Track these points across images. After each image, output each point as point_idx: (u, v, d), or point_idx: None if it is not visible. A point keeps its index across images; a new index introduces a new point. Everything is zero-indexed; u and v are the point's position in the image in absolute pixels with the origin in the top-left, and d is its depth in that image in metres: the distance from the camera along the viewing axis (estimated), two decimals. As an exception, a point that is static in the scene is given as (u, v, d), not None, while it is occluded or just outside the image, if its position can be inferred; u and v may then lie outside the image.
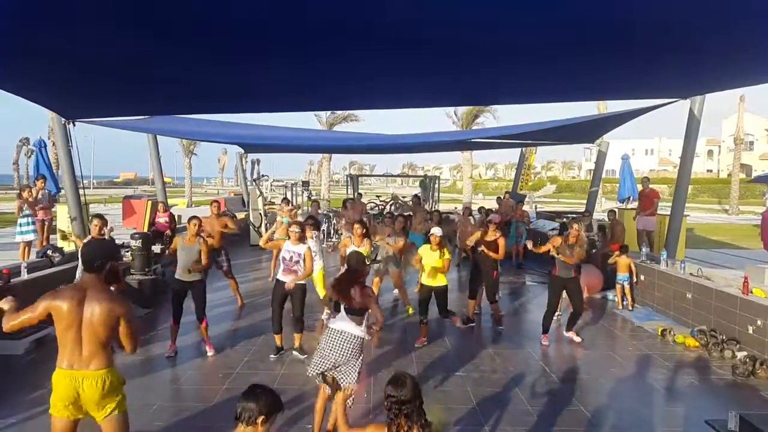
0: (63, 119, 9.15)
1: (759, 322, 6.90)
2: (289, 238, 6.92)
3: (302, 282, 6.86)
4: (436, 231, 7.45)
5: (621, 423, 5.25)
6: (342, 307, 4.60)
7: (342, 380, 4.51)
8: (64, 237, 10.47)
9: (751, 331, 7.03)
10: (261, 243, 7.51)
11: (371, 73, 6.90)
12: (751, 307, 7.09)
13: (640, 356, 7.26)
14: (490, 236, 8.16)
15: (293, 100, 9.00)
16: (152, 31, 5.07)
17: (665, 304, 9.03)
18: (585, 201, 15.99)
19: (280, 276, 6.87)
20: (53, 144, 17.55)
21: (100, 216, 7.51)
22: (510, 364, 6.92)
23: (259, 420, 2.77)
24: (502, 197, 17.98)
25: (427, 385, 6.00)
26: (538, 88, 8.06)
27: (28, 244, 10.60)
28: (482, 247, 8.17)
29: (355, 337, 4.55)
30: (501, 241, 8.10)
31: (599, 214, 15.80)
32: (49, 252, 9.17)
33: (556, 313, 9.01)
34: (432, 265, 7.33)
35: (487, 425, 5.11)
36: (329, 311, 5.27)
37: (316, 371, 4.57)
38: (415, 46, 5.57)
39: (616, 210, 12.83)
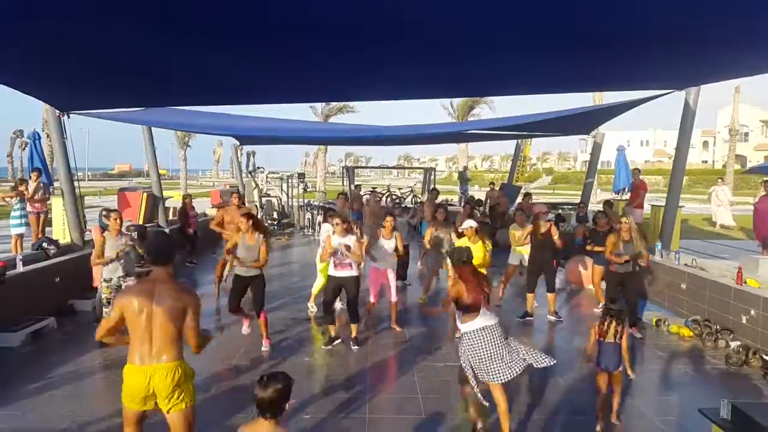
0: (57, 111, 9.11)
1: (752, 312, 6.95)
2: (335, 232, 7.01)
3: (356, 274, 7.03)
4: (470, 223, 7.44)
5: (615, 412, 5.28)
6: (481, 305, 4.50)
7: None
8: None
9: (744, 321, 7.08)
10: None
11: (368, 64, 6.89)
12: (744, 297, 7.15)
13: (634, 346, 7.30)
14: (542, 228, 8.28)
15: (289, 91, 8.98)
16: (148, 22, 5.05)
17: (660, 294, 9.07)
18: (580, 192, 16.03)
19: (333, 272, 7.01)
20: (47, 136, 17.46)
21: (117, 210, 7.43)
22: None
23: (286, 405, 2.78)
24: (496, 187, 18.06)
25: (421, 374, 6.05)
26: (534, 79, 8.05)
27: (20, 237, 10.60)
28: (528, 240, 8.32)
29: (499, 326, 4.55)
30: (554, 229, 8.26)
31: (594, 206, 15.86)
32: (45, 244, 9.15)
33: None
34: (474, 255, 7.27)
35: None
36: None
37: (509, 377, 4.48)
38: (411, 36, 5.56)
39: (613, 201, 12.87)
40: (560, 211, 16.02)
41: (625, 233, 7.53)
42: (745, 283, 7.33)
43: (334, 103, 34.07)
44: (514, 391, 5.70)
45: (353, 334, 7.08)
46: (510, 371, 4.44)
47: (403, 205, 21.38)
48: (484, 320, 4.46)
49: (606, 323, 4.88)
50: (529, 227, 8.45)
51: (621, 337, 4.85)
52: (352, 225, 7.43)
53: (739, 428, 3.31)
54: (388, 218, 7.68)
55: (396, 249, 7.65)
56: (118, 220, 7.01)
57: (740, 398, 4.57)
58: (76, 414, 4.95)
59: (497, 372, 4.43)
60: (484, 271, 7.23)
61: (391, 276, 7.70)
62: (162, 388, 3.41)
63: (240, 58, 6.46)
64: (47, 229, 11.50)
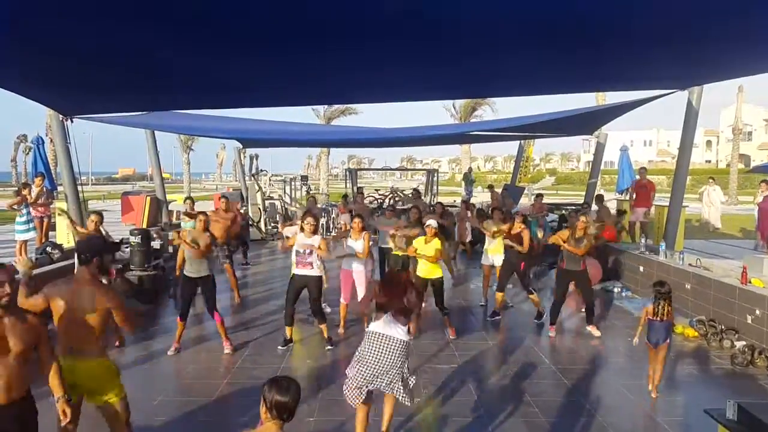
0: (61, 116, 9.14)
1: (757, 312, 6.92)
2: (303, 230, 6.97)
3: (318, 274, 7.01)
4: (432, 222, 7.47)
5: (620, 412, 5.28)
6: (389, 310, 4.27)
7: (387, 388, 4.24)
8: (62, 212, 10.11)
9: (749, 321, 7.05)
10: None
11: (369, 65, 6.89)
12: (749, 296, 7.12)
13: (638, 346, 7.27)
14: (515, 229, 8.39)
15: (291, 94, 8.99)
16: (151, 26, 5.06)
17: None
18: (584, 193, 16.01)
19: (296, 270, 7.02)
20: (51, 141, 17.51)
21: (97, 212, 7.60)
22: (509, 355, 6.94)
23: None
24: (499, 190, 18.04)
25: (425, 376, 6.04)
26: (536, 80, 8.04)
27: (25, 242, 10.61)
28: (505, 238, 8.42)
29: (403, 342, 4.22)
30: (525, 234, 8.28)
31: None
32: (49, 249, 9.16)
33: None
34: (426, 254, 7.28)
35: (487, 416, 5.14)
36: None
37: (358, 384, 4.22)
38: (413, 37, 5.56)
39: (603, 194, 12.91)
40: (563, 211, 16.00)
41: (580, 231, 7.61)
42: (750, 282, 7.30)
43: (336, 106, 34.12)
44: (518, 391, 5.69)
45: (325, 335, 7.07)
46: (357, 381, 4.22)
47: (403, 207, 21.34)
48: (385, 328, 4.23)
49: (659, 304, 5.56)
50: (505, 226, 8.53)
51: (670, 316, 5.60)
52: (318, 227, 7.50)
53: (746, 429, 3.30)
54: (356, 220, 7.68)
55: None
56: (94, 222, 7.34)
57: (746, 398, 4.56)
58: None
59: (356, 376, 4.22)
60: (434, 265, 7.28)
61: (360, 277, 7.65)
62: (84, 381, 3.58)
63: (242, 62, 6.47)
64: (51, 233, 11.52)
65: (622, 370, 6.63)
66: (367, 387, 4.23)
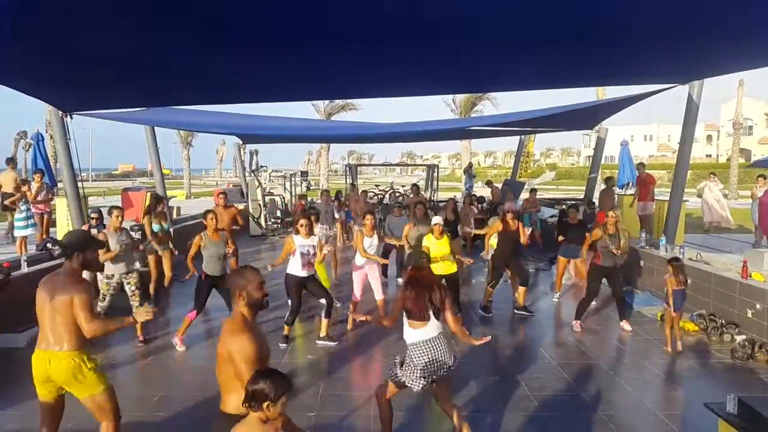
0: (60, 112, 9.12)
1: (758, 306, 6.92)
2: (299, 233, 7.03)
3: (314, 272, 7.11)
4: (437, 220, 7.47)
5: (620, 407, 5.29)
6: (432, 313, 4.26)
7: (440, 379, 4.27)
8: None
9: (750, 315, 7.05)
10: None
11: (370, 61, 6.87)
12: (750, 291, 7.12)
13: (639, 341, 7.30)
14: (512, 226, 8.33)
15: (291, 89, 8.97)
16: (148, 21, 5.05)
17: (665, 288, 9.02)
18: (584, 187, 16.00)
19: (298, 272, 7.01)
20: (51, 137, 17.48)
21: (119, 207, 7.57)
22: (509, 349, 6.95)
23: (279, 401, 2.69)
24: (499, 185, 18.04)
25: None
26: (537, 74, 8.01)
27: (25, 238, 10.62)
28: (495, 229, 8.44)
29: (441, 336, 4.29)
30: (521, 228, 8.35)
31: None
32: (49, 245, 9.15)
33: (556, 295, 9.17)
34: (440, 253, 7.30)
35: (487, 411, 5.15)
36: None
37: (422, 386, 4.21)
38: (412, 33, 5.54)
39: (613, 178, 12.99)
40: (564, 206, 16.00)
41: (611, 227, 7.61)
42: (751, 277, 7.30)
43: (336, 101, 34.06)
44: (519, 386, 5.70)
45: (324, 332, 7.10)
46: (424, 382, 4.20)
47: (405, 204, 21.28)
48: (429, 331, 4.25)
49: (678, 275, 6.66)
50: (495, 225, 8.53)
51: (686, 284, 6.76)
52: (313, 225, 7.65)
53: (746, 422, 3.30)
54: (368, 217, 7.69)
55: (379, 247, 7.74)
56: (119, 217, 7.21)
57: (746, 392, 4.57)
58: (78, 414, 4.94)
59: (418, 380, 4.18)
60: (446, 264, 7.30)
61: (375, 274, 7.71)
62: (59, 375, 3.61)
63: (241, 57, 6.46)
64: (51, 229, 11.53)
65: (623, 364, 6.64)
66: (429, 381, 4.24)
